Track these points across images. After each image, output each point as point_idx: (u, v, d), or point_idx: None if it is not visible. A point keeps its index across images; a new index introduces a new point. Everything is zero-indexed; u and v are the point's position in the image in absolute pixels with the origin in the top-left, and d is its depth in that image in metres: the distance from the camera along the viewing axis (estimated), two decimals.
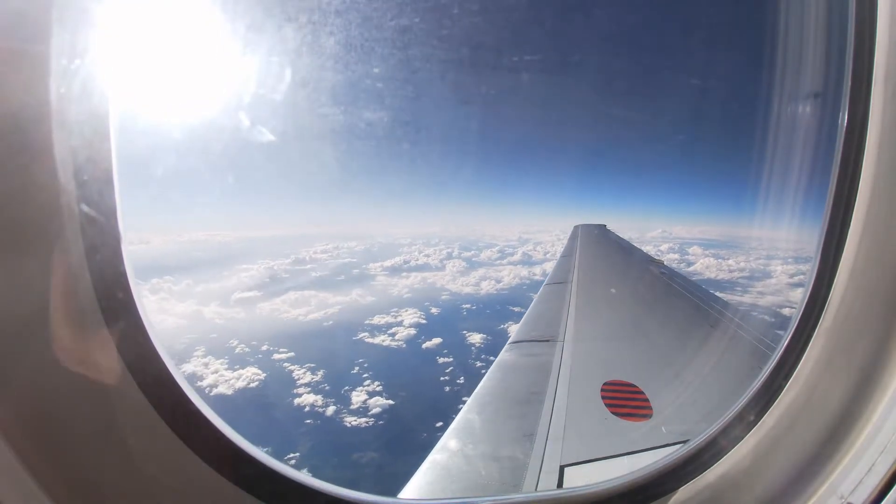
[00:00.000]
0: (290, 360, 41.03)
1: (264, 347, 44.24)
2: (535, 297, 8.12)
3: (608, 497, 1.33)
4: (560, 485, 2.64)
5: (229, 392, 36.22)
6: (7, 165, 0.84)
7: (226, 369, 39.37)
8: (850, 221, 1.15)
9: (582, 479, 2.72)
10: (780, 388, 1.27)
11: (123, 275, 0.97)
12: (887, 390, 1.15)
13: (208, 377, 38.36)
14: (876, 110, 1.10)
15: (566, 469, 2.79)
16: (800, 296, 1.27)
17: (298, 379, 37.72)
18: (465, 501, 2.43)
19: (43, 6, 0.83)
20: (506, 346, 5.39)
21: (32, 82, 0.83)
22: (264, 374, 38.56)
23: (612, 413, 3.55)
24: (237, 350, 43.61)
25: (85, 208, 0.91)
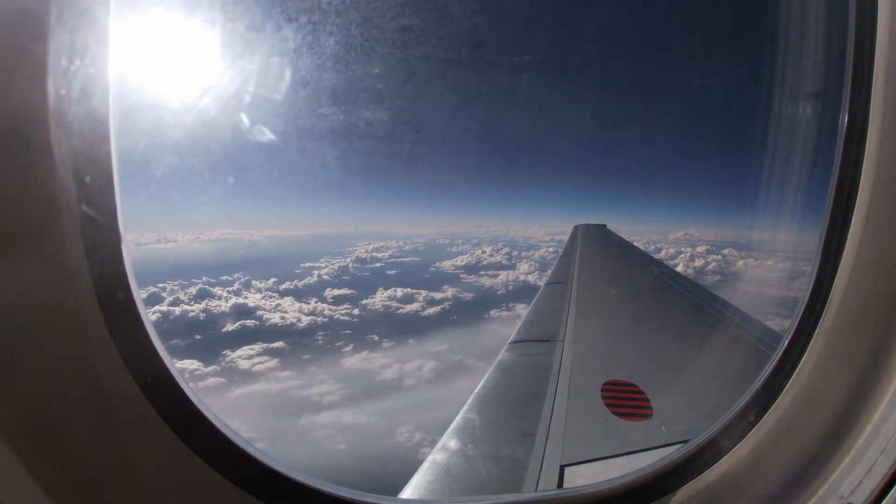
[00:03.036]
0: (450, 352, 41.28)
1: (410, 340, 44.51)
2: (536, 297, 8.12)
3: (608, 497, 1.33)
4: (560, 485, 2.64)
5: (417, 383, 36.64)
6: (7, 165, 0.84)
7: (395, 363, 39.67)
8: (850, 221, 1.15)
9: (582, 479, 2.71)
10: (780, 388, 1.27)
11: (123, 275, 0.97)
12: (887, 390, 1.15)
13: (383, 372, 38.71)
14: (876, 110, 1.10)
15: (566, 469, 2.79)
16: (800, 296, 1.27)
17: (475, 368, 37.15)
18: (465, 501, 2.43)
19: (43, 6, 0.83)
20: (506, 346, 5.39)
21: (32, 82, 0.83)
22: (441, 365, 38.67)
23: (612, 413, 3.55)
24: (384, 345, 43.81)
25: (85, 208, 0.91)
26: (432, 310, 56.50)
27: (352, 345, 43.74)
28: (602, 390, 3.94)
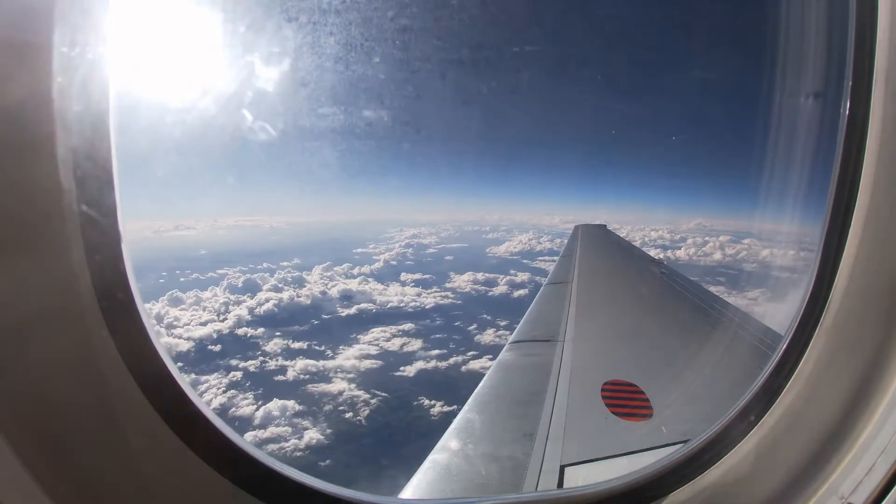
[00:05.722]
0: None
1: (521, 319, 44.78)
2: (536, 296, 8.12)
3: (608, 497, 1.33)
4: (560, 485, 2.64)
5: None
6: (7, 163, 0.84)
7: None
8: (851, 221, 1.15)
9: (582, 479, 2.71)
10: (780, 388, 1.26)
11: (123, 275, 0.97)
12: (887, 391, 1.15)
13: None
14: (876, 109, 1.10)
15: (566, 469, 2.79)
16: (800, 296, 1.27)
17: None
18: (465, 501, 2.43)
19: (43, 5, 0.83)
20: (506, 346, 5.39)
21: (33, 79, 0.83)
22: None
23: (612, 413, 3.55)
24: (500, 323, 43.18)
25: (85, 208, 0.91)
26: (520, 292, 56.70)
27: (474, 323, 43.72)
28: (602, 390, 3.94)
